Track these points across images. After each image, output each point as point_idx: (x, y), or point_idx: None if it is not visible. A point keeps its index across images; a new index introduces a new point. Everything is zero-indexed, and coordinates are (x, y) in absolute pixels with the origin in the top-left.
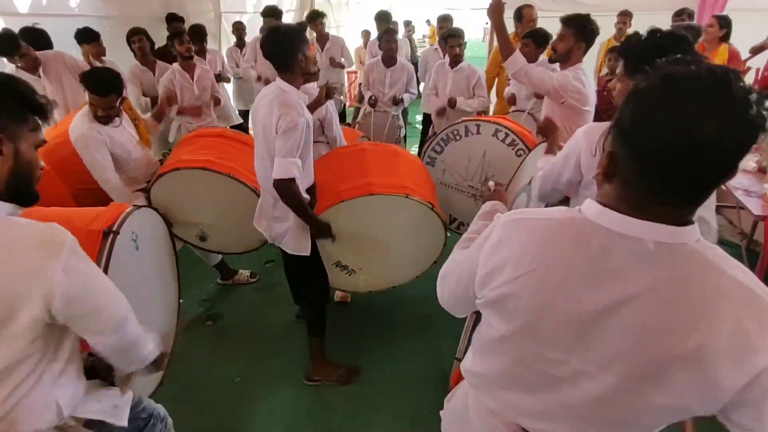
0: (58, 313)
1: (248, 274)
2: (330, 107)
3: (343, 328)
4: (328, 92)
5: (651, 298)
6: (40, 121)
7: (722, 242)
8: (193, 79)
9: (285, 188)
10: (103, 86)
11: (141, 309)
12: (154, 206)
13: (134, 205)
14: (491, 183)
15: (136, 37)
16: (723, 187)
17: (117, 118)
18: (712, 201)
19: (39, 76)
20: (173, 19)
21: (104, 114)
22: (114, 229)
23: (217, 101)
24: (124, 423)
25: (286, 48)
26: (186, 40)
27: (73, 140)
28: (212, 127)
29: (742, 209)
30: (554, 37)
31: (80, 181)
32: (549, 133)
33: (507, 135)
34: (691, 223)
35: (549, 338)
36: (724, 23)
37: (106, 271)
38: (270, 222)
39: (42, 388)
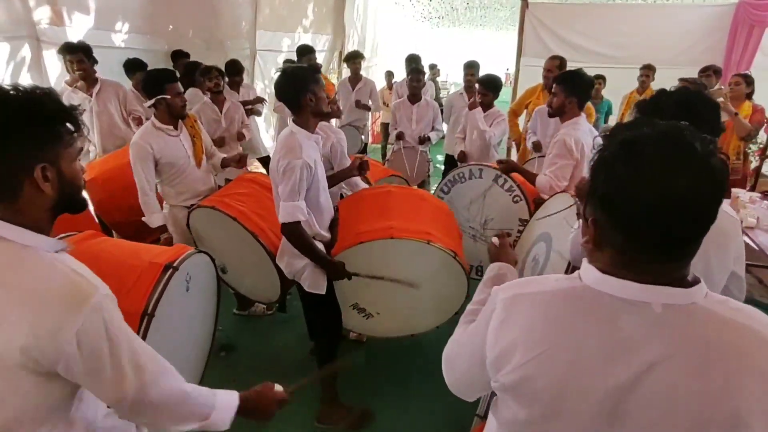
0: (63, 373)
1: (264, 307)
2: (336, 145)
3: (356, 369)
4: (361, 165)
5: (672, 365)
6: (73, 128)
7: (751, 301)
8: (221, 112)
9: (290, 231)
10: (173, 73)
11: (173, 349)
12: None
13: (196, 249)
14: (495, 239)
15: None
16: (754, 246)
17: (176, 129)
18: (742, 256)
19: (91, 96)
20: (180, 56)
21: (175, 103)
22: (174, 265)
23: (240, 136)
24: None
25: (295, 89)
26: (215, 76)
27: (131, 144)
28: (267, 177)
29: None
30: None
31: (121, 215)
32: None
33: (506, 181)
34: (697, 282)
35: (576, 420)
36: (750, 81)
37: (157, 303)
38: (290, 258)
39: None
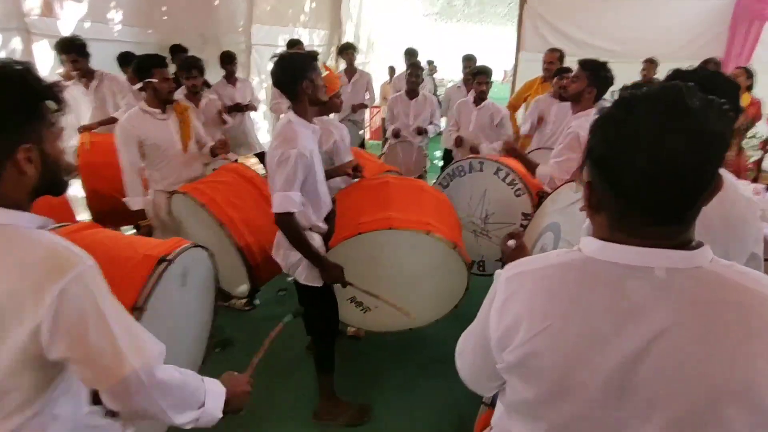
0: (47, 346)
1: (242, 302)
2: (339, 142)
3: (355, 364)
4: (355, 168)
5: (680, 331)
6: (56, 106)
7: None
8: (198, 108)
9: (282, 222)
10: (162, 59)
11: (168, 345)
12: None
13: (194, 244)
14: (511, 242)
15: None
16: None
17: (163, 113)
18: (761, 237)
19: (87, 88)
20: (178, 51)
21: (161, 87)
22: (169, 258)
23: (221, 121)
24: None
25: (292, 75)
26: (193, 76)
27: (116, 126)
28: (248, 169)
29: None
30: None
31: (105, 183)
32: None
33: (507, 174)
34: (700, 245)
35: (585, 395)
36: (750, 74)
37: (149, 296)
38: (285, 251)
39: (39, 424)
